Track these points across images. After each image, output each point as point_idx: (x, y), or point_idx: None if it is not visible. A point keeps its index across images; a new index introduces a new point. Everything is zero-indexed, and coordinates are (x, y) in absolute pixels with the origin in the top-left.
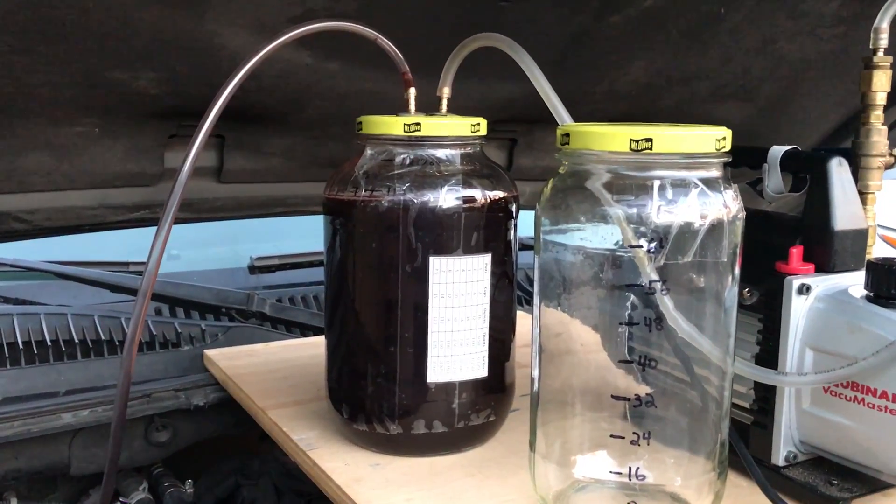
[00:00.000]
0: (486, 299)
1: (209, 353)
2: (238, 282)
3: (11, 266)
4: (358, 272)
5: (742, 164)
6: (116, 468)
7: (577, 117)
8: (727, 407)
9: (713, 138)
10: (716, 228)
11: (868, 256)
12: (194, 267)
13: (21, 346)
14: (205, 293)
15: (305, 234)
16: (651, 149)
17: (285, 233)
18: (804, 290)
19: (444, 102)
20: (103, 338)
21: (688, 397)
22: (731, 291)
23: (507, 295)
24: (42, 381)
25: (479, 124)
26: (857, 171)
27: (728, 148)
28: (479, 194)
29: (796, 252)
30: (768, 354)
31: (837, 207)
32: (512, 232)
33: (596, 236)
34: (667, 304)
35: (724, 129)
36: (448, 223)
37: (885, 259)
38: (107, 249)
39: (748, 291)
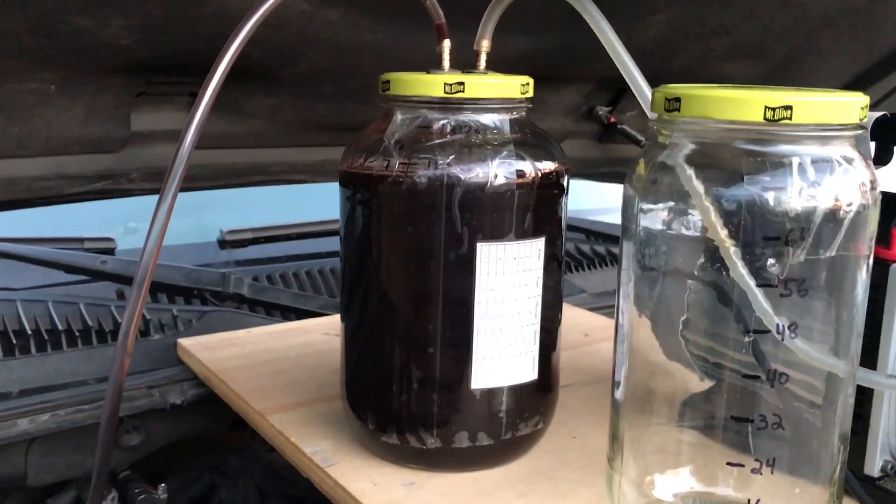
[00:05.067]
0: (539, 290)
1: (184, 342)
2: (208, 258)
3: None
4: (388, 259)
5: None
6: (104, 484)
7: (587, 74)
8: (849, 423)
9: (856, 106)
10: (860, 215)
11: None
12: None
13: None
14: (174, 273)
15: (276, 204)
16: (790, 118)
17: (252, 202)
18: None
19: (483, 57)
20: (60, 327)
21: (810, 416)
22: (865, 288)
23: (556, 280)
24: None
25: (528, 84)
26: None
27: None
28: (531, 168)
29: None
30: (867, 353)
31: None
32: (563, 210)
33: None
34: (810, 307)
35: (861, 95)
36: (500, 203)
37: None
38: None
39: None
